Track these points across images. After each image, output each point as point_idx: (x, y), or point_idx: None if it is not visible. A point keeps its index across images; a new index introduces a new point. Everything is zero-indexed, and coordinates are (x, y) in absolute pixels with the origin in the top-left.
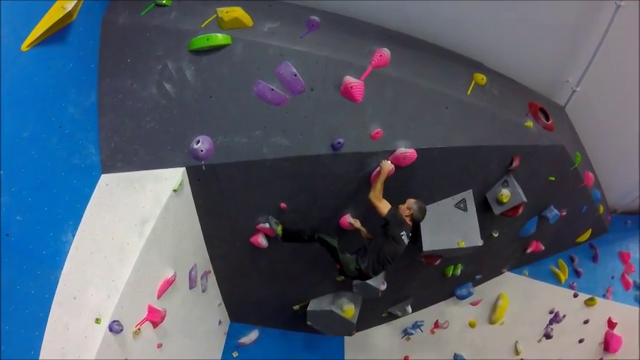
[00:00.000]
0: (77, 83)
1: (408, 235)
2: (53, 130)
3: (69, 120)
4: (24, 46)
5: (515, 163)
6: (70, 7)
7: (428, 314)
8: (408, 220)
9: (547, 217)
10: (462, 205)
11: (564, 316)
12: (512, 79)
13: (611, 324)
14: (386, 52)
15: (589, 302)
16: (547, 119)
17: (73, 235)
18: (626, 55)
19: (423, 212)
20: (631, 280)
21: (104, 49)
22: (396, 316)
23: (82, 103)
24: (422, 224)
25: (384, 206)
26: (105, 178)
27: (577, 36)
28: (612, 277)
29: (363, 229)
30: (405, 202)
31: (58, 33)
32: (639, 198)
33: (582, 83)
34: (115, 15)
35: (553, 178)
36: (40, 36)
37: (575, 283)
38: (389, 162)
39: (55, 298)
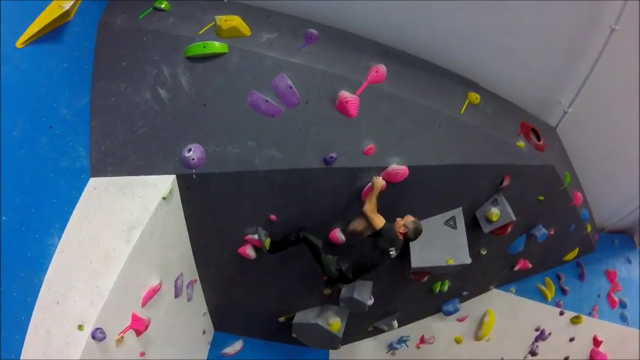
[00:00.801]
0: (70, 84)
1: (396, 252)
2: (43, 131)
3: (60, 121)
4: (19, 43)
5: (506, 182)
6: (67, 6)
7: (414, 329)
8: (400, 236)
9: (535, 235)
10: (451, 223)
11: (550, 333)
12: (506, 99)
13: (597, 342)
14: (382, 68)
15: (575, 320)
16: (538, 140)
17: (59, 239)
18: (618, 78)
19: (417, 233)
20: (617, 299)
21: (100, 50)
22: (382, 331)
23: (74, 104)
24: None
25: (380, 220)
26: (93, 182)
27: (571, 58)
28: (598, 296)
29: (363, 231)
30: (403, 217)
31: (54, 32)
32: (628, 217)
33: (574, 105)
34: (113, 17)
35: (542, 198)
36: (35, 34)
37: (561, 301)
38: (380, 178)
39: (37, 301)
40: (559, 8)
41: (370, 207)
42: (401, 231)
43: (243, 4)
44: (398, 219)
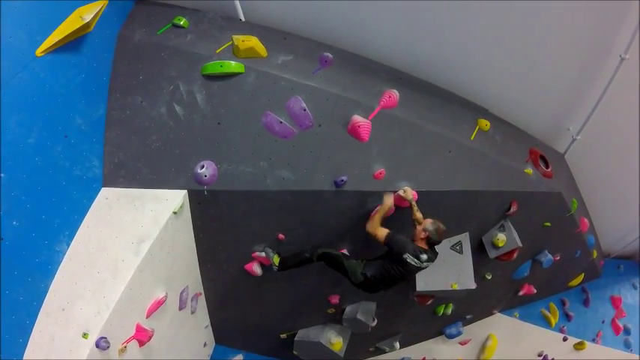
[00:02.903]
0: (87, 94)
1: (419, 257)
2: (58, 139)
3: (75, 130)
4: (38, 52)
5: (513, 208)
6: (88, 17)
7: (415, 351)
8: (423, 243)
9: (541, 261)
10: (457, 248)
11: (553, 359)
12: (515, 126)
13: None
14: (395, 93)
15: (578, 346)
16: (546, 166)
17: (68, 246)
18: (627, 107)
19: (440, 233)
20: (621, 325)
21: (117, 63)
22: (384, 352)
23: (90, 114)
24: None
25: (382, 233)
26: (105, 192)
27: (580, 86)
28: (603, 322)
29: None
30: (422, 222)
31: (74, 42)
32: (634, 243)
33: (583, 132)
34: (132, 31)
35: (549, 224)
36: (55, 43)
37: (565, 327)
38: (392, 198)
39: (43, 307)
40: (570, 37)
41: (372, 224)
42: (422, 237)
43: (261, 25)
44: (418, 226)
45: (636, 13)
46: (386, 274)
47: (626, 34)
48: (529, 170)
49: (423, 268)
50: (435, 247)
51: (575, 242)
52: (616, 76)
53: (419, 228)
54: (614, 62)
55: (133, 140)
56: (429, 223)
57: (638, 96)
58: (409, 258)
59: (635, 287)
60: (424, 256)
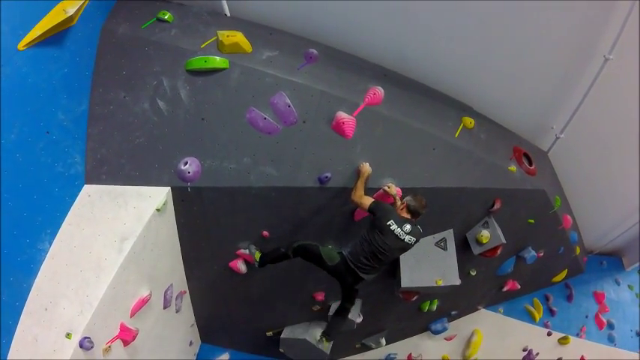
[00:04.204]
0: (69, 89)
1: (402, 227)
2: (40, 135)
3: (57, 126)
4: (20, 46)
5: (497, 206)
6: (72, 11)
7: (401, 347)
8: (404, 212)
9: (524, 257)
10: (442, 244)
11: (537, 354)
12: (499, 124)
13: None
14: (380, 90)
15: (562, 341)
16: (530, 164)
17: (50, 244)
18: (610, 107)
19: (419, 201)
20: (605, 320)
21: (100, 57)
22: (370, 348)
23: (72, 110)
24: (402, 261)
25: (367, 200)
26: (87, 189)
27: (565, 85)
28: (586, 317)
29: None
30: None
31: (56, 36)
32: (617, 240)
33: (566, 131)
34: (116, 25)
35: (532, 221)
36: (37, 37)
37: (549, 322)
38: (367, 164)
39: (25, 307)
40: (555, 37)
41: (356, 193)
42: (402, 207)
43: (246, 20)
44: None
45: (621, 14)
46: (367, 248)
47: (611, 35)
48: (513, 168)
49: (406, 243)
50: (419, 227)
51: (558, 239)
52: (600, 76)
53: (397, 203)
54: (598, 62)
55: (115, 136)
56: (408, 198)
57: (621, 96)
58: (393, 225)
59: (617, 283)
60: (408, 226)
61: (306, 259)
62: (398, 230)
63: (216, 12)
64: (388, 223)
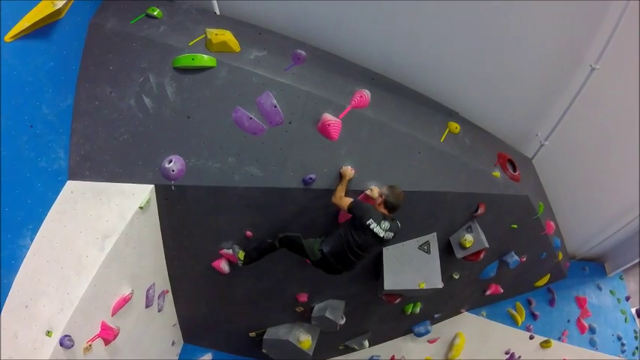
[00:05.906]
0: (55, 83)
1: (381, 224)
2: (24, 129)
3: (41, 120)
4: (7, 37)
5: (481, 210)
6: (60, 4)
7: (385, 349)
8: (382, 208)
9: (507, 262)
10: (425, 248)
11: (520, 357)
12: (485, 130)
13: None
14: (366, 93)
15: (544, 344)
16: (514, 170)
17: (32, 241)
18: (595, 115)
19: (397, 196)
20: (586, 324)
21: (87, 52)
22: (353, 350)
23: (57, 104)
24: (385, 264)
25: (346, 201)
26: (70, 185)
27: (550, 93)
28: (568, 321)
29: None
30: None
31: (44, 29)
32: (600, 246)
33: (551, 138)
34: (104, 19)
35: (515, 226)
36: (25, 29)
37: (531, 326)
38: (350, 167)
39: (6, 304)
40: (542, 44)
41: (336, 195)
42: (379, 202)
43: (235, 19)
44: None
45: (609, 25)
46: (346, 246)
47: (598, 45)
48: (497, 173)
49: (386, 240)
50: (398, 222)
51: (541, 244)
52: (585, 86)
53: (375, 195)
54: (584, 71)
55: (100, 132)
56: (385, 188)
57: (606, 106)
58: (372, 224)
59: (599, 288)
60: (386, 224)
61: (291, 250)
62: (377, 229)
63: (206, 10)
64: (368, 222)
